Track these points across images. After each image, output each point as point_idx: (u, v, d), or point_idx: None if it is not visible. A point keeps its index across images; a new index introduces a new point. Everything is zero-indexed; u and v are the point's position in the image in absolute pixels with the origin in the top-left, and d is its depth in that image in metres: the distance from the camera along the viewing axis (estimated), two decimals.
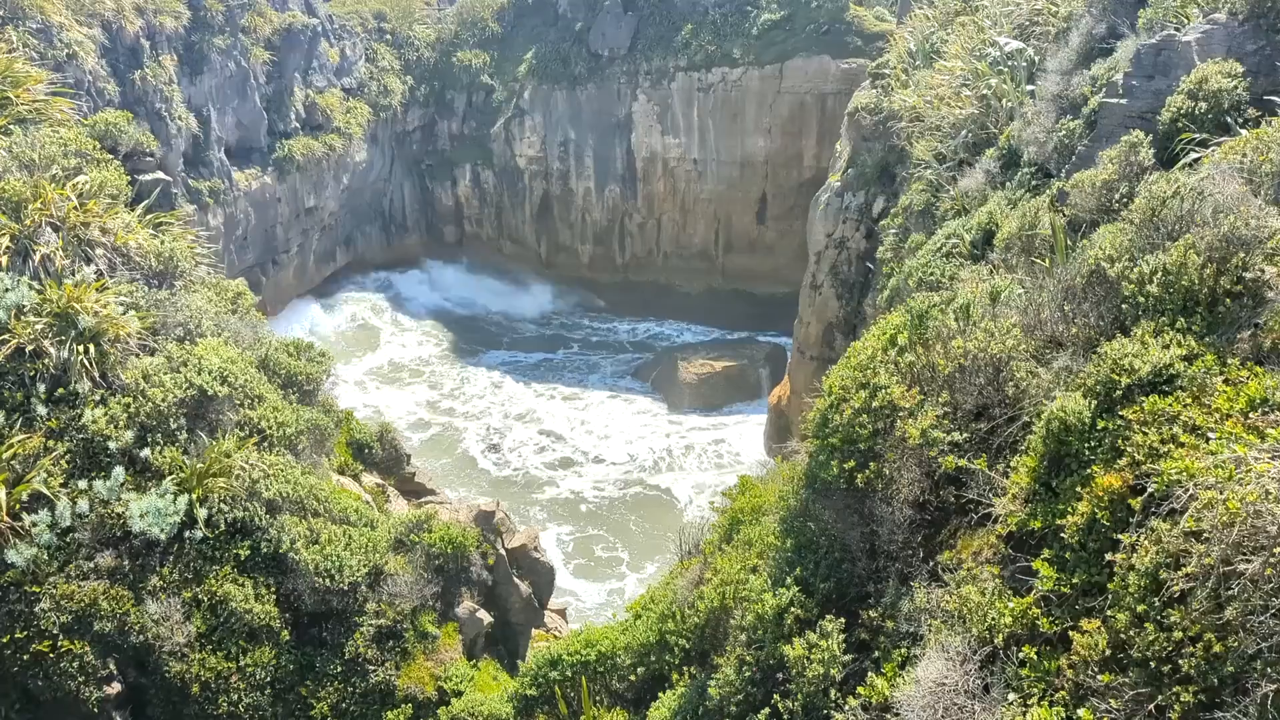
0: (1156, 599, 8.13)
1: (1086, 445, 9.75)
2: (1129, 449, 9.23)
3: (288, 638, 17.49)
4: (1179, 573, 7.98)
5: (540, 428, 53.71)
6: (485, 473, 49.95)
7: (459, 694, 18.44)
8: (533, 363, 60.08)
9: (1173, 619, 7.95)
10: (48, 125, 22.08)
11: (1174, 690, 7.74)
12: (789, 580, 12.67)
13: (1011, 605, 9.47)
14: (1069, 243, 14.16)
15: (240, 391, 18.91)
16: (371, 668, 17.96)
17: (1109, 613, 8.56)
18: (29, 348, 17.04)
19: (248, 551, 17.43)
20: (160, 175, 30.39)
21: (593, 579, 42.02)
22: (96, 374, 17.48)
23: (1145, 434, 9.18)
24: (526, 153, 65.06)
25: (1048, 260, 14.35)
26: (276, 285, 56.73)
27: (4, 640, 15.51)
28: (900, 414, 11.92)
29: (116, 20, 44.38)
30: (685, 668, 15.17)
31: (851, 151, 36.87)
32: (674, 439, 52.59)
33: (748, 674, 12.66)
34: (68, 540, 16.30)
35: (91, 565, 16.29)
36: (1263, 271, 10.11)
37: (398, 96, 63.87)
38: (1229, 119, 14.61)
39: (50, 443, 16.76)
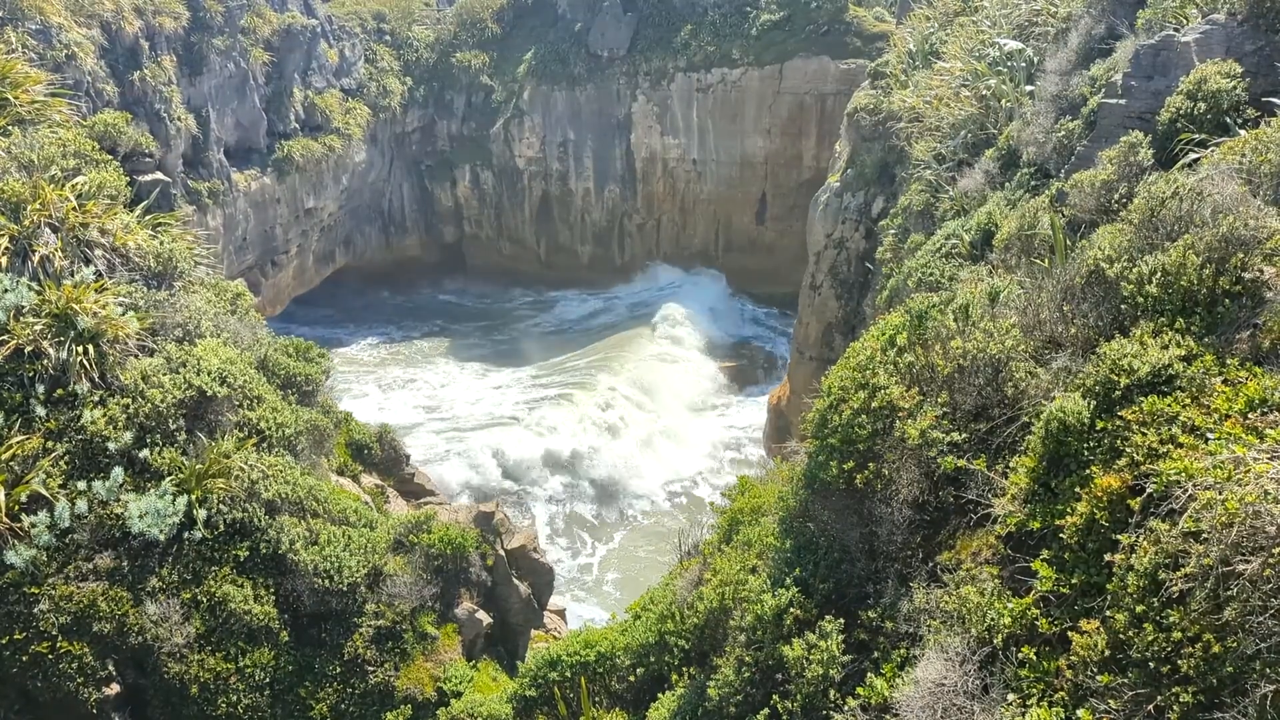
0: (1155, 599, 8.13)
1: (1085, 446, 9.75)
2: (1128, 449, 9.23)
3: (287, 639, 17.49)
4: (1178, 573, 7.97)
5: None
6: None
7: (458, 695, 18.44)
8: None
9: (1172, 619, 7.94)
10: (47, 126, 22.07)
11: (1173, 691, 7.74)
12: (788, 581, 12.66)
13: (1011, 606, 9.46)
14: (1068, 243, 14.16)
15: (239, 392, 18.91)
16: (371, 669, 17.96)
17: (1108, 613, 8.55)
18: (28, 348, 17.03)
19: (247, 552, 17.43)
20: (159, 176, 30.49)
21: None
22: (95, 375, 17.48)
23: (1144, 434, 9.18)
24: (526, 153, 65.05)
25: (1047, 260, 14.35)
26: (276, 286, 56.70)
27: (3, 641, 15.50)
28: (899, 414, 11.92)
29: (115, 21, 44.33)
30: (684, 668, 15.16)
31: (851, 152, 36.88)
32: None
33: (747, 674, 12.65)
34: (67, 541, 16.29)
35: (90, 566, 16.29)
36: (1261, 272, 10.11)
37: (397, 97, 63.84)
38: (1228, 119, 14.61)
39: (49, 444, 16.76)
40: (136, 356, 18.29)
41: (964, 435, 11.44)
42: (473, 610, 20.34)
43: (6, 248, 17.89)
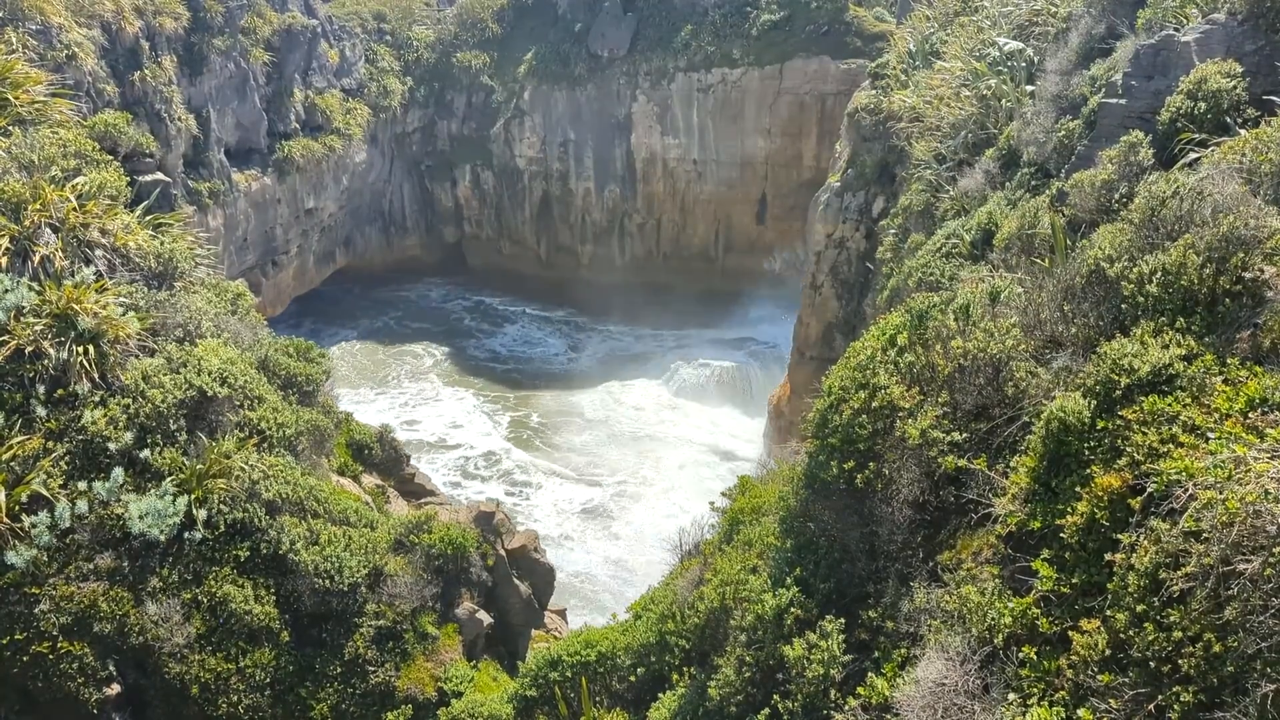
0: (1156, 599, 8.13)
1: (1086, 445, 9.75)
2: (1128, 449, 9.23)
3: (287, 639, 17.49)
4: (1178, 573, 7.97)
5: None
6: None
7: (459, 695, 18.44)
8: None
9: (1172, 619, 7.94)
10: (47, 126, 22.08)
11: (1174, 690, 7.74)
12: (789, 580, 12.67)
13: (1011, 605, 9.46)
14: (1068, 243, 14.16)
15: (240, 392, 18.92)
16: (371, 669, 17.96)
17: (1108, 613, 8.55)
18: (28, 349, 17.03)
19: (247, 553, 17.43)
20: (160, 176, 30.44)
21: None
22: (96, 375, 17.48)
23: (1144, 434, 9.18)
24: (526, 153, 65.04)
25: (1047, 260, 14.35)
26: (276, 286, 56.70)
27: (4, 642, 15.50)
28: (900, 414, 11.93)
29: (116, 21, 44.32)
30: (685, 668, 15.16)
31: (851, 152, 36.85)
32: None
33: (747, 674, 12.65)
34: (67, 541, 16.30)
35: (91, 566, 16.30)
36: (1262, 271, 10.11)
37: (397, 97, 63.85)
38: (1228, 119, 14.60)
39: (50, 444, 16.76)
40: (137, 357, 18.29)
41: (964, 435, 11.44)
42: (473, 610, 20.34)
43: (7, 248, 17.90)
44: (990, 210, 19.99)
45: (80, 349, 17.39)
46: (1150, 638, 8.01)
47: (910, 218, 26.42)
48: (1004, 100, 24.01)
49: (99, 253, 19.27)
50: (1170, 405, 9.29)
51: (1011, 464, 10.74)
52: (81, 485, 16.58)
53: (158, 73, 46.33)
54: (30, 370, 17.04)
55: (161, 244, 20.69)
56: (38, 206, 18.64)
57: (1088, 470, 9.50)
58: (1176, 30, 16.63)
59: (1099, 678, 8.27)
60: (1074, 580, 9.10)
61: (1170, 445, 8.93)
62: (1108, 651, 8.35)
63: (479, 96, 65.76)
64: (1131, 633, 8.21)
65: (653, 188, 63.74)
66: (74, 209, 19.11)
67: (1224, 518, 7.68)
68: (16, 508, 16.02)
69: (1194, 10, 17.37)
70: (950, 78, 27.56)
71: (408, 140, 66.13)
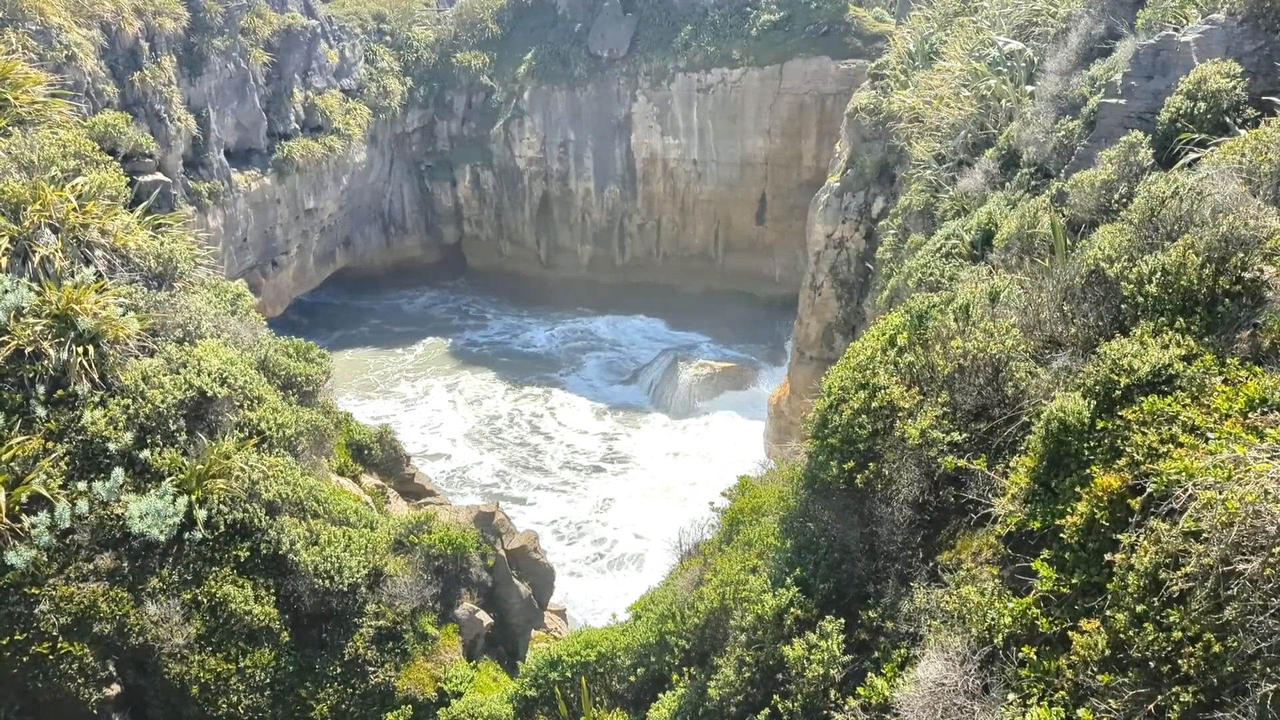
0: (1156, 599, 8.13)
1: (1086, 445, 9.75)
2: (1128, 449, 9.23)
3: (287, 639, 17.50)
4: (1178, 573, 7.98)
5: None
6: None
7: (459, 695, 18.44)
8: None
9: (1172, 619, 7.95)
10: (47, 127, 22.08)
11: (1173, 690, 7.74)
12: (789, 581, 12.67)
13: (1011, 605, 9.46)
14: (1068, 243, 14.16)
15: (240, 393, 18.92)
16: (371, 669, 17.96)
17: (1108, 613, 8.56)
18: (28, 349, 17.03)
19: (247, 553, 17.43)
20: (159, 177, 30.42)
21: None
22: (96, 375, 17.48)
23: (1144, 434, 9.19)
24: (526, 153, 65.06)
25: (1047, 260, 14.35)
26: (276, 287, 56.70)
27: (4, 642, 15.50)
28: (899, 414, 11.93)
29: (115, 22, 44.32)
30: (685, 668, 15.16)
31: (851, 152, 36.86)
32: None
33: (747, 674, 12.66)
34: (67, 542, 16.30)
35: (91, 567, 16.30)
36: (1262, 271, 10.12)
37: (397, 98, 63.85)
38: (1228, 119, 14.60)
39: (49, 444, 16.76)
40: (137, 357, 18.29)
41: (964, 435, 11.44)
42: (473, 610, 20.35)
43: (7, 249, 17.90)
44: (990, 210, 19.99)
45: (80, 349, 17.39)
46: (1150, 638, 8.02)
47: (910, 218, 26.41)
48: (1004, 100, 24.01)
49: (99, 253, 19.27)
50: (1170, 405, 9.29)
51: (1011, 464, 10.75)
52: (81, 485, 16.58)
53: (157, 73, 46.33)
54: (30, 371, 17.04)
55: (161, 244, 20.69)
56: (37, 207, 18.64)
57: (1087, 470, 9.51)
58: (1176, 30, 16.64)
59: (1099, 678, 8.27)
60: (1074, 580, 9.10)
61: (1170, 445, 8.94)
62: (1107, 652, 8.35)
63: (479, 97, 65.79)
64: (1131, 633, 8.22)
65: (653, 188, 63.78)
66: (74, 209, 19.11)
67: (1224, 518, 7.69)
68: (16, 508, 16.01)
69: (1194, 10, 17.38)
70: (950, 78, 27.55)
71: (407, 140, 66.14)
